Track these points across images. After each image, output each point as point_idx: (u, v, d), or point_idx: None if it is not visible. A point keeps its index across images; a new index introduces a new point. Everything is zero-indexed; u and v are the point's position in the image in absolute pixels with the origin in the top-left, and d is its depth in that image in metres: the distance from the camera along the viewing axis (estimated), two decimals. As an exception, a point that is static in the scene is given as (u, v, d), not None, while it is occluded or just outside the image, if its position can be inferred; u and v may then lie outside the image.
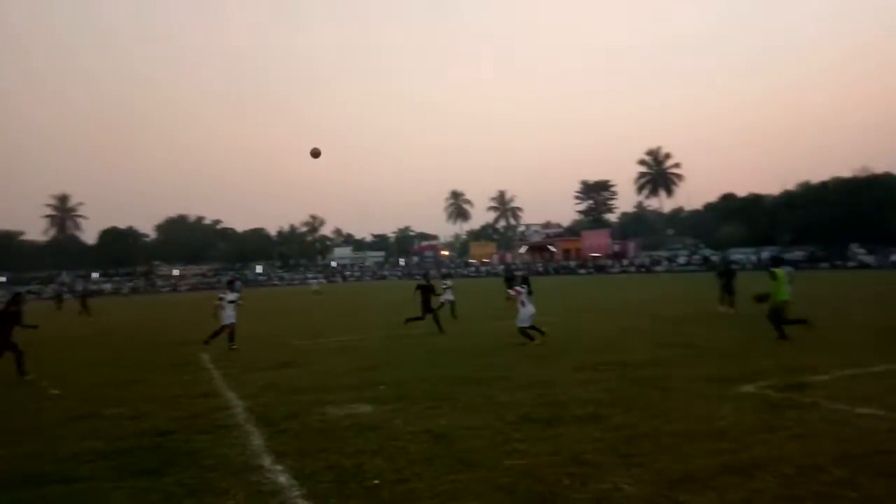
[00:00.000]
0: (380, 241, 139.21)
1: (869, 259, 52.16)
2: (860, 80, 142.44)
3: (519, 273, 22.59)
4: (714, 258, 62.75)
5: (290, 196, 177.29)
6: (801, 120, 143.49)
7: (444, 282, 22.63)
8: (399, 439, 6.36)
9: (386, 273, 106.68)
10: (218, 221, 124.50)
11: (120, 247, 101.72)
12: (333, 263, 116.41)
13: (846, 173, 63.30)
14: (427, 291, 17.16)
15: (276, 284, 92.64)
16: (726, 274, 18.55)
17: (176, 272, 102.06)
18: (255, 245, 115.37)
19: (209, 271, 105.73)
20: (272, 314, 28.48)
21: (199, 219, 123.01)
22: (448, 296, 21.46)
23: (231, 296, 15.67)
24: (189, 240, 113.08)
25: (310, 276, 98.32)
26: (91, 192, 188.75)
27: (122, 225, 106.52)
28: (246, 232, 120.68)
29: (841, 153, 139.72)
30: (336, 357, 13.05)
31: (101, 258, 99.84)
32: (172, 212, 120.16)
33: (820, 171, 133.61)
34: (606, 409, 7.14)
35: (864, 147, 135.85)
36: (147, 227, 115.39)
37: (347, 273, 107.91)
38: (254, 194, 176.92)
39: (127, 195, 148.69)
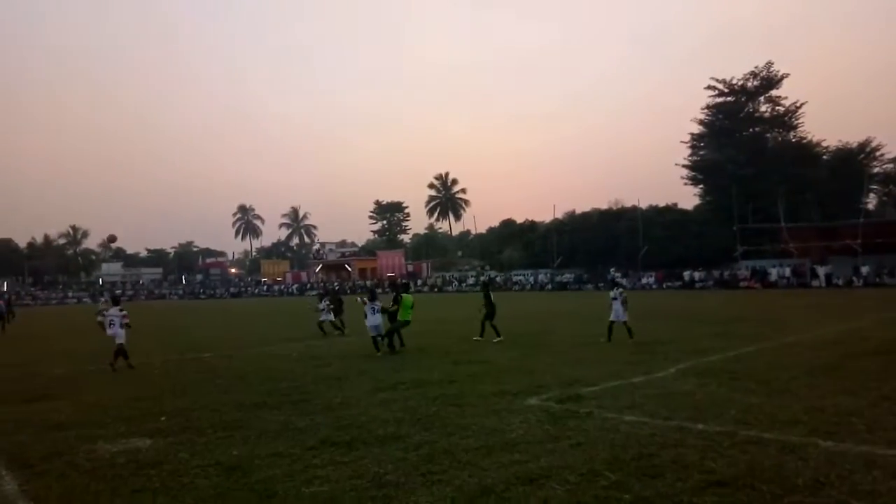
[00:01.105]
0: (156, 257, 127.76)
1: (623, 281, 59.86)
2: (617, 133, 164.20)
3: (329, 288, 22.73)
4: (499, 279, 67.39)
5: (43, 204, 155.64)
6: (568, 156, 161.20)
7: (324, 301, 21.04)
8: (185, 475, 5.81)
9: (165, 292, 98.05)
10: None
11: None
12: (101, 281, 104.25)
13: (604, 205, 72.26)
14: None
15: (28, 304, 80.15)
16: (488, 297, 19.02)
17: None
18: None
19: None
20: (27, 339, 24.58)
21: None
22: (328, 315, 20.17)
23: (114, 310, 14.11)
24: None
25: (71, 294, 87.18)
26: None
27: None
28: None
29: (597, 188, 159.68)
30: (108, 386, 11.61)
31: None
32: None
33: (583, 203, 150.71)
34: (406, 428, 7.22)
35: (617, 183, 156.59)
36: None
37: (118, 291, 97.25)
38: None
39: None
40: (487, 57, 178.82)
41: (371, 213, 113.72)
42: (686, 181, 66.95)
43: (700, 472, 5.31)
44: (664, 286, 56.06)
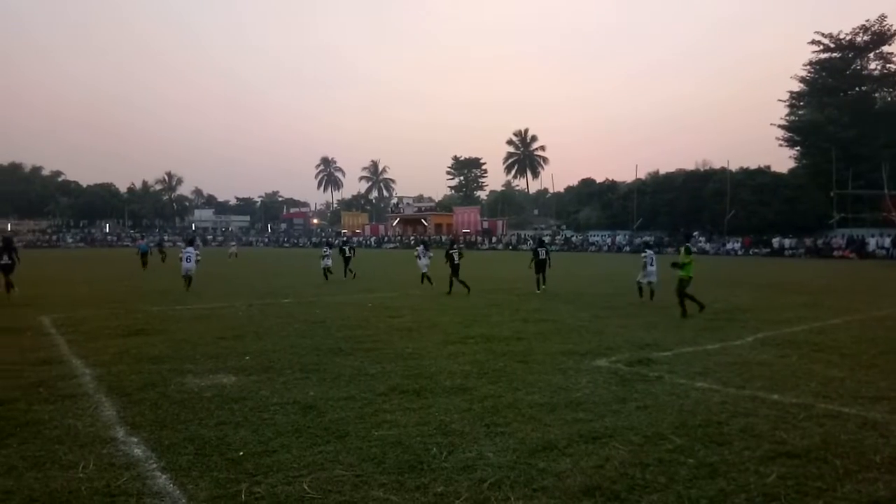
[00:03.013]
0: (245, 205, 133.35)
1: (706, 246, 57.71)
2: (707, 90, 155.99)
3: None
4: (575, 239, 66.39)
5: (144, 151, 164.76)
6: (656, 116, 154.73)
7: (325, 249, 24.93)
8: (265, 410, 6.19)
9: (252, 239, 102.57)
10: (59, 173, 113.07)
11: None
12: (193, 226, 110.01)
13: (690, 166, 69.27)
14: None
15: (127, 245, 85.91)
16: (536, 254, 19.23)
17: (8, 227, 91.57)
18: (102, 202, 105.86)
19: (49, 227, 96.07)
20: (130, 278, 26.45)
21: (36, 169, 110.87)
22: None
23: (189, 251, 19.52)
24: (24, 192, 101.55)
25: (166, 237, 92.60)
26: None
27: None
28: (92, 187, 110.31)
29: (684, 148, 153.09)
30: (197, 325, 12.39)
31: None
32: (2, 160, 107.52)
33: (668, 163, 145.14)
34: (473, 381, 7.37)
35: (705, 144, 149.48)
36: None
37: (209, 237, 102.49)
38: (101, 146, 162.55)
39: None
40: (578, 19, 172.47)
41: (449, 169, 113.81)
42: (781, 143, 63.24)
43: (770, 442, 5.19)
44: (750, 252, 53.72)
